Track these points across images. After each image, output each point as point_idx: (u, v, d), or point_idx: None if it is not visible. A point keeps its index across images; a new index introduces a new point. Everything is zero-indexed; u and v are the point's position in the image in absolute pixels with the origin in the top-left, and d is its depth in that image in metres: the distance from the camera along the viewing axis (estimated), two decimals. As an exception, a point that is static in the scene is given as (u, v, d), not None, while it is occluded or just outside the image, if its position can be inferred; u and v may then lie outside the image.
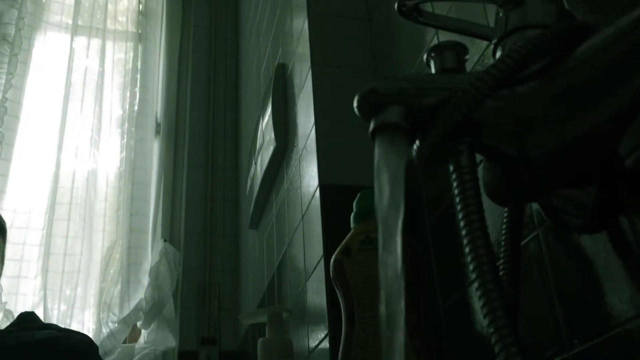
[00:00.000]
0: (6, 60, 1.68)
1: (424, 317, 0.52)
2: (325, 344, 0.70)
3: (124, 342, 1.48)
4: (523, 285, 0.50)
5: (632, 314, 0.38)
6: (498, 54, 0.39)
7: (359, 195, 0.59)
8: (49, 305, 1.46)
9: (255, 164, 1.16)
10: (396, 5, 0.43)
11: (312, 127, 0.86)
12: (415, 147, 0.35)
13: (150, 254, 1.57)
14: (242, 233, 1.52)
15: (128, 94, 1.72)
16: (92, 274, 1.53)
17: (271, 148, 1.05)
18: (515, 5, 0.38)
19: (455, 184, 0.34)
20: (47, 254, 1.52)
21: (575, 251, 0.45)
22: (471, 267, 0.33)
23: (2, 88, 1.66)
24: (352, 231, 0.57)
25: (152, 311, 1.46)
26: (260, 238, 1.22)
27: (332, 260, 0.56)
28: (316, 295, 0.77)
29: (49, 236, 1.54)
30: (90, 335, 1.40)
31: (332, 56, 0.90)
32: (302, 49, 0.94)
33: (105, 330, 1.44)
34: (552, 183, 0.41)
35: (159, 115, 1.79)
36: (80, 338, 1.35)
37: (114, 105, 1.75)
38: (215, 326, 1.45)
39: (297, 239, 0.91)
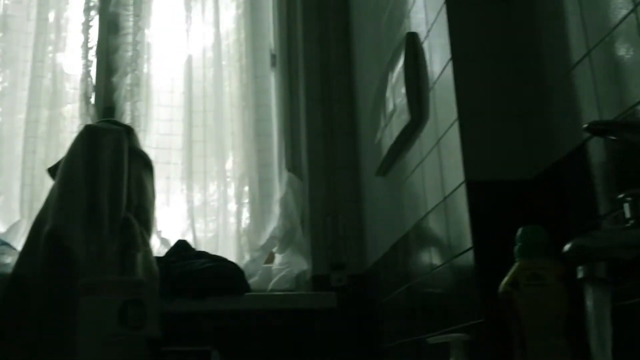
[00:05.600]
0: (131, 2, 1.79)
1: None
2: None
3: (262, 264, 1.68)
4: None
5: None
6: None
7: (521, 230, 0.69)
8: (197, 234, 1.67)
9: (385, 126, 1.25)
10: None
11: (455, 122, 0.93)
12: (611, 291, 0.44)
13: (278, 186, 1.73)
14: (361, 165, 1.64)
15: (243, 34, 1.80)
16: (229, 207, 1.71)
17: (404, 118, 1.13)
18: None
19: None
20: (189, 187, 1.71)
21: None
22: None
23: (130, 31, 1.78)
24: (517, 264, 0.67)
25: (286, 239, 1.65)
26: (389, 188, 1.34)
27: (500, 290, 0.67)
28: (465, 288, 0.89)
29: (188, 171, 1.72)
30: (234, 260, 1.62)
31: (472, 47, 0.94)
32: (439, 34, 0.99)
33: (246, 257, 1.64)
34: None
35: (272, 47, 1.86)
36: (231, 266, 1.57)
37: (231, 39, 1.83)
38: (342, 252, 1.62)
39: (437, 216, 1.02)
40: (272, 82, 1.82)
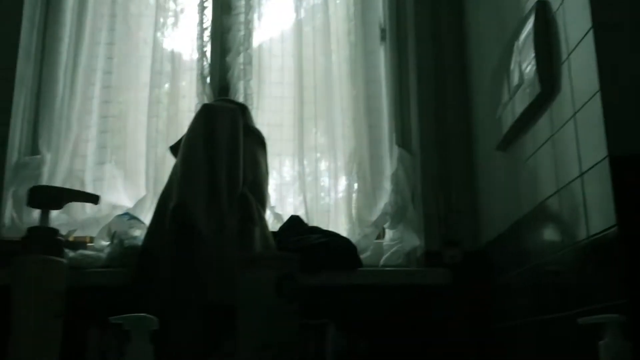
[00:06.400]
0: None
1: None
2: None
3: (372, 240, 1.69)
4: None
5: None
6: None
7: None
8: (309, 210, 1.70)
9: (509, 99, 1.21)
10: None
11: (597, 93, 0.88)
12: None
13: (389, 161, 1.72)
14: (476, 140, 1.60)
15: (352, 9, 1.79)
16: (340, 183, 1.73)
17: (532, 90, 1.08)
18: None
19: None
20: (301, 163, 1.74)
21: None
22: None
23: (242, 10, 1.82)
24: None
25: (397, 215, 1.65)
26: (510, 163, 1.30)
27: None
28: (605, 267, 0.85)
29: (300, 148, 1.75)
30: (346, 235, 1.63)
31: (615, 14, 0.89)
32: (576, 1, 0.94)
33: (358, 232, 1.66)
34: None
35: (381, 22, 1.84)
36: (344, 241, 1.59)
37: (340, 14, 1.83)
38: (455, 228, 1.59)
39: (571, 193, 0.98)
40: (381, 57, 1.81)
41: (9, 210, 1.59)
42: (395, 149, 1.72)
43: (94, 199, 0.94)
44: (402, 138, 1.76)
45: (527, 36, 1.12)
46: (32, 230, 0.76)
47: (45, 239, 0.77)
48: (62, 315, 0.74)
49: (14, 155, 1.64)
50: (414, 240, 1.63)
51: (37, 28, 1.75)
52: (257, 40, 1.82)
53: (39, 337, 0.72)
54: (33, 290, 0.72)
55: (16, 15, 1.66)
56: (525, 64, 1.12)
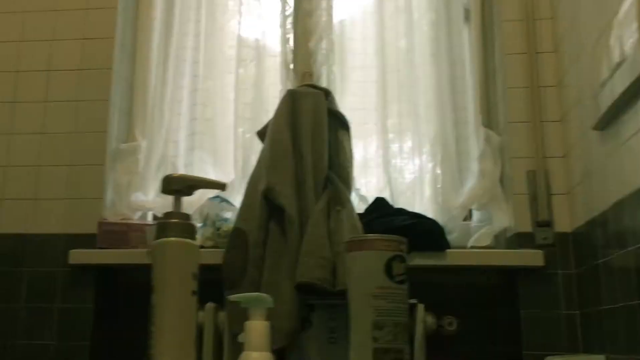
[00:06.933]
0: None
1: None
2: None
3: (459, 221, 1.68)
4: None
5: None
6: None
7: None
8: (394, 192, 1.71)
9: (609, 77, 1.17)
10: None
11: None
12: None
13: (476, 142, 1.70)
14: (568, 119, 1.56)
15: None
16: (426, 165, 1.73)
17: (634, 67, 1.05)
18: None
19: None
20: (385, 146, 1.75)
21: None
22: None
23: (324, -2, 1.83)
24: None
25: (485, 195, 1.63)
26: (609, 143, 1.26)
27: None
28: None
29: (384, 131, 1.75)
30: (432, 217, 1.63)
31: None
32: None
33: (445, 214, 1.65)
34: None
35: (465, 1, 1.81)
36: (431, 222, 1.59)
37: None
38: (547, 209, 1.56)
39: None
40: (465, 37, 1.78)
41: (109, 194, 1.68)
42: (482, 129, 1.70)
43: (221, 186, 0.99)
44: (488, 119, 1.73)
45: (628, 10, 1.08)
46: (168, 215, 0.83)
47: (181, 222, 0.83)
48: (197, 292, 0.80)
49: (112, 142, 1.73)
50: (502, 222, 1.61)
51: (130, 23, 1.83)
52: (338, 24, 1.84)
53: (180, 313, 0.78)
54: (174, 270, 0.78)
55: (111, 13, 1.75)
56: (626, 41, 1.08)
